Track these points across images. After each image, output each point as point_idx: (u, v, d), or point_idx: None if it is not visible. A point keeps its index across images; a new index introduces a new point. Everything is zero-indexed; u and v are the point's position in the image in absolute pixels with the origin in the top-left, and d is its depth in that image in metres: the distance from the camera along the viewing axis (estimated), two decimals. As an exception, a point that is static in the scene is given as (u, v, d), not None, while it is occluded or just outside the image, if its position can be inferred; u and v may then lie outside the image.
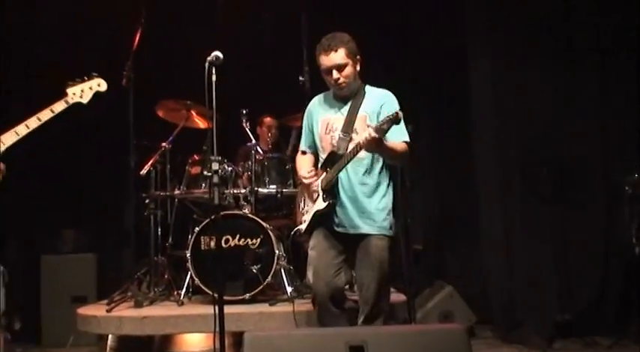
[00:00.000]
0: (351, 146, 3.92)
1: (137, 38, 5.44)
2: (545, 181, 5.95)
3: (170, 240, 5.82)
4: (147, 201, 5.67)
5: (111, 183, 6.53)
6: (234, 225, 5.13)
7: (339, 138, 4.03)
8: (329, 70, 4.00)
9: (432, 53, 6.75)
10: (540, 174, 5.94)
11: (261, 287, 5.06)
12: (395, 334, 2.73)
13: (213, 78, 3.61)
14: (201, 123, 6.09)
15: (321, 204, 4.01)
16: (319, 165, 4.17)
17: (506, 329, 5.86)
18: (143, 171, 5.54)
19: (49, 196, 6.45)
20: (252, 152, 5.59)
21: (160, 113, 5.94)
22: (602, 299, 5.83)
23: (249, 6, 7.00)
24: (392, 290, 5.56)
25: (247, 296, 5.00)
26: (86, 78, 4.22)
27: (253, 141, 5.80)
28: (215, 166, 3.55)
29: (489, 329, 5.91)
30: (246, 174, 5.65)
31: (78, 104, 4.15)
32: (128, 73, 5.26)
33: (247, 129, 5.92)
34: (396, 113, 3.56)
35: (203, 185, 5.54)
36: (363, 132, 3.86)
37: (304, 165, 4.26)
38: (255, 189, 5.48)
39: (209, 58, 3.64)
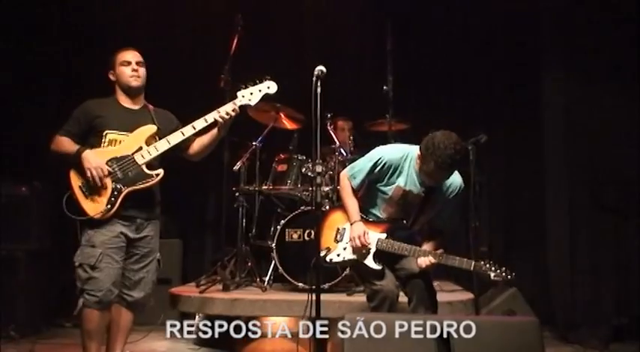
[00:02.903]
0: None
1: (234, 42, 5.62)
2: (610, 194, 6.19)
3: (254, 231, 6.13)
4: (237, 194, 5.98)
5: (199, 177, 6.96)
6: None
7: (416, 214, 4.11)
8: (434, 180, 3.97)
9: (505, 65, 6.94)
10: (606, 188, 6.19)
11: (339, 278, 5.32)
12: (477, 322, 3.04)
13: (319, 90, 3.75)
14: (288, 125, 6.32)
15: (372, 263, 4.03)
16: (371, 215, 4.20)
17: (565, 329, 6.12)
18: (236, 167, 5.86)
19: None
20: (336, 153, 5.86)
21: (251, 113, 6.05)
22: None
23: (337, 16, 7.29)
24: (458, 288, 5.89)
25: (326, 286, 5.20)
26: (257, 81, 4.18)
27: (337, 144, 6.06)
28: (319, 169, 3.80)
29: (549, 329, 6.07)
30: (328, 173, 5.84)
31: (246, 106, 4.17)
32: (226, 75, 5.43)
33: (331, 132, 6.21)
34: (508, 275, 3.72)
35: (289, 182, 5.85)
36: (430, 210, 4.08)
37: (357, 214, 4.13)
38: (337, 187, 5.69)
39: (315, 72, 3.76)
